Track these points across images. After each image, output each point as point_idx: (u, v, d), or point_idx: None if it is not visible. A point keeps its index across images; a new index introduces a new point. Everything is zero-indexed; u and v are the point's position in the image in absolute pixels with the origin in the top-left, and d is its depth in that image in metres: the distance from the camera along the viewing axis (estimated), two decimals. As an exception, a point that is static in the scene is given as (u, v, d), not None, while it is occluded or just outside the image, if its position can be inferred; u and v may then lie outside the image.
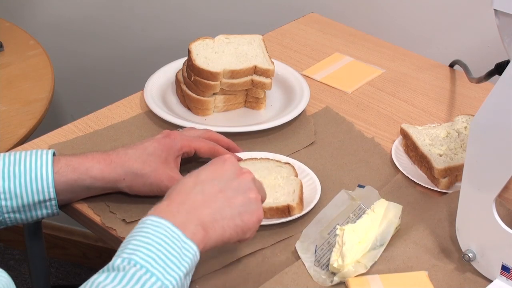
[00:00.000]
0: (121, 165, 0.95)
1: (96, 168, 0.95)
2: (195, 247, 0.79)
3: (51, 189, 0.93)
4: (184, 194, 0.83)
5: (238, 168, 0.87)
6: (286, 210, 0.97)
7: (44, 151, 0.94)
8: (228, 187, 0.85)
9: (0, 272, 0.74)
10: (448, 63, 1.36)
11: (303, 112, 1.19)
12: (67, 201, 0.97)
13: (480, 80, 1.12)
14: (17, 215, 0.93)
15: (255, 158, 1.07)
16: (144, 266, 0.75)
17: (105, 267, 0.77)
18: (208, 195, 0.83)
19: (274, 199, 0.99)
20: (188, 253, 0.78)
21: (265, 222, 0.97)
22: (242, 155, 1.07)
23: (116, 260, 0.76)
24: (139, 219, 0.97)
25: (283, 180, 1.02)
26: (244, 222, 0.84)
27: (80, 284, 0.77)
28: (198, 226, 0.80)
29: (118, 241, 0.95)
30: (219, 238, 0.83)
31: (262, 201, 0.89)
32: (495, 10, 0.81)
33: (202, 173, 0.86)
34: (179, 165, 1.01)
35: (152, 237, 0.77)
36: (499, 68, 1.03)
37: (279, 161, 1.06)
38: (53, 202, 0.94)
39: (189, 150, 1.01)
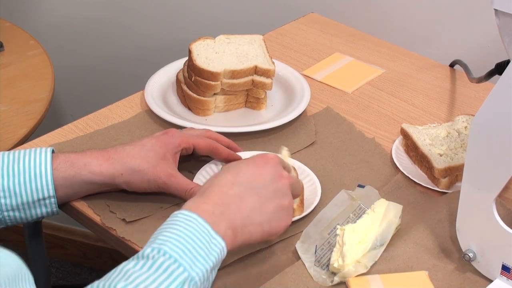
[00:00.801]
0: (119, 160, 0.96)
1: (95, 164, 0.95)
2: (223, 243, 0.81)
3: (50, 187, 0.93)
4: (221, 194, 0.84)
5: (278, 172, 0.88)
6: None
7: (43, 149, 0.94)
8: (264, 192, 0.86)
9: (11, 255, 0.74)
10: (448, 63, 1.36)
11: (304, 112, 1.19)
12: (67, 198, 0.97)
13: (480, 80, 1.12)
14: (17, 214, 0.93)
15: None
16: (173, 256, 0.76)
17: (135, 255, 0.78)
18: (243, 199, 0.84)
19: None
20: (216, 248, 0.80)
21: None
22: (242, 155, 1.07)
23: (146, 249, 0.78)
24: (139, 219, 0.97)
25: None
26: (272, 228, 0.86)
27: (80, 284, 0.77)
28: (228, 229, 0.82)
29: (118, 241, 0.95)
30: (245, 241, 0.85)
31: (296, 197, 0.91)
32: (495, 10, 0.81)
33: (243, 172, 0.87)
34: (178, 162, 1.01)
35: (183, 229, 0.79)
36: (499, 68, 1.03)
37: None
38: (52, 200, 0.94)
39: (188, 146, 1.01)
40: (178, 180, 0.97)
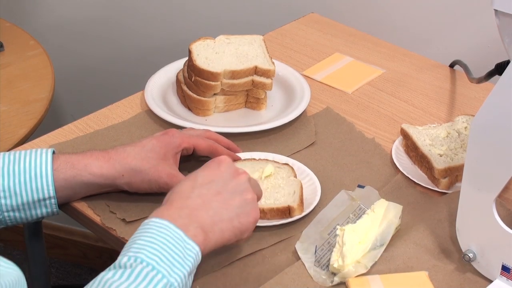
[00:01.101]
0: (119, 161, 0.96)
1: (95, 165, 0.95)
2: (197, 248, 0.80)
3: (51, 187, 0.93)
4: (183, 198, 0.84)
5: (234, 169, 0.89)
6: (286, 211, 0.97)
7: (44, 150, 0.94)
8: (225, 189, 0.86)
9: (11, 265, 0.74)
10: (448, 63, 1.36)
11: (304, 112, 1.19)
12: (67, 199, 0.97)
13: (480, 80, 1.12)
14: (17, 214, 0.93)
15: (254, 159, 1.07)
16: (150, 264, 0.76)
17: (112, 265, 0.78)
18: (206, 199, 0.85)
19: (275, 199, 0.99)
20: (190, 253, 0.80)
21: (265, 223, 0.97)
22: (242, 155, 1.07)
23: (123, 258, 0.77)
24: (139, 219, 0.97)
25: (283, 180, 1.02)
26: (242, 223, 0.86)
27: (80, 284, 0.78)
28: (198, 228, 0.82)
29: (118, 241, 0.95)
30: (219, 240, 0.84)
31: (258, 199, 0.90)
32: (495, 10, 0.81)
33: (199, 176, 0.87)
34: (178, 162, 1.01)
35: (157, 236, 0.79)
36: (499, 68, 1.03)
37: (278, 162, 1.06)
38: (52, 200, 0.94)
39: (188, 146, 1.02)
40: (180, 180, 0.97)
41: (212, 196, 0.85)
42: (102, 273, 0.77)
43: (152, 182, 0.97)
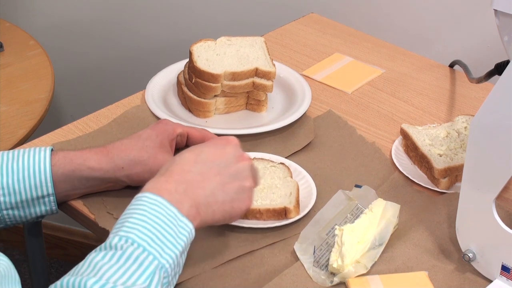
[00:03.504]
0: (118, 154, 0.96)
1: (94, 159, 0.95)
2: (190, 225, 0.80)
3: (49, 184, 0.93)
4: (184, 171, 0.84)
5: (239, 153, 0.88)
6: (282, 212, 0.97)
7: (43, 148, 0.95)
8: (226, 171, 0.86)
9: (2, 256, 0.75)
10: (448, 63, 1.36)
11: (305, 114, 1.18)
12: (66, 195, 0.97)
13: (480, 80, 1.12)
14: (16, 212, 0.93)
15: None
16: (141, 245, 0.76)
17: (102, 245, 0.78)
18: (205, 177, 0.84)
19: (271, 200, 0.99)
20: (184, 231, 0.79)
21: (261, 225, 0.96)
22: None
23: (114, 238, 0.77)
24: None
25: (280, 180, 1.02)
26: (234, 208, 0.86)
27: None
28: (192, 207, 0.82)
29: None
30: (209, 220, 0.84)
31: (255, 186, 0.90)
32: (495, 10, 0.81)
33: (204, 152, 0.86)
34: (174, 150, 1.01)
35: (149, 215, 0.78)
36: (499, 68, 1.03)
37: (273, 161, 1.06)
38: (51, 198, 0.94)
39: (182, 132, 1.02)
40: None
41: (212, 175, 0.85)
42: (93, 254, 0.77)
43: (153, 171, 0.96)
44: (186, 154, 0.86)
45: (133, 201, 0.81)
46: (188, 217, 0.81)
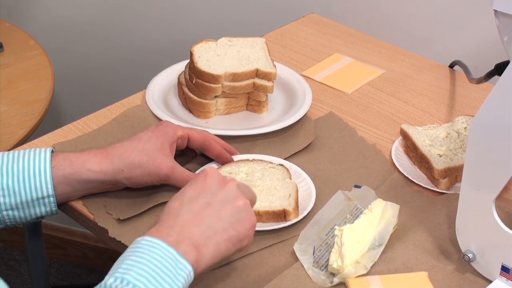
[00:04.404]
0: (118, 157, 0.96)
1: (93, 161, 0.95)
2: (189, 267, 0.78)
3: (49, 185, 0.93)
4: (173, 217, 0.82)
5: (221, 179, 0.86)
6: (282, 214, 0.97)
7: (43, 149, 0.95)
8: (214, 200, 0.84)
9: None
10: (448, 64, 1.36)
11: (305, 115, 1.18)
12: (66, 197, 0.97)
13: (480, 80, 1.12)
14: (16, 213, 0.93)
15: (248, 160, 1.07)
16: (137, 286, 0.74)
17: (98, 286, 0.76)
18: (196, 214, 0.83)
19: (270, 202, 0.99)
20: (182, 273, 0.78)
21: (260, 228, 0.96)
22: (239, 158, 1.07)
23: (109, 279, 0.75)
24: (134, 216, 0.97)
25: (279, 182, 1.02)
26: (238, 231, 0.84)
27: (80, 285, 0.77)
28: (189, 245, 0.80)
29: (117, 241, 0.95)
30: (216, 253, 0.82)
31: (253, 203, 0.88)
32: (495, 11, 0.81)
33: (187, 192, 0.85)
34: (174, 152, 1.01)
35: (147, 256, 0.77)
36: (499, 69, 1.03)
37: (273, 163, 1.06)
38: (51, 199, 0.94)
39: (183, 134, 1.02)
40: (180, 172, 0.98)
41: (202, 209, 0.83)
42: None
43: (152, 175, 0.97)
44: (171, 203, 0.84)
45: (130, 245, 0.79)
46: (186, 257, 0.79)
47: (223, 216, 0.83)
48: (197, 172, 1.04)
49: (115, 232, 0.95)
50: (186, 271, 0.78)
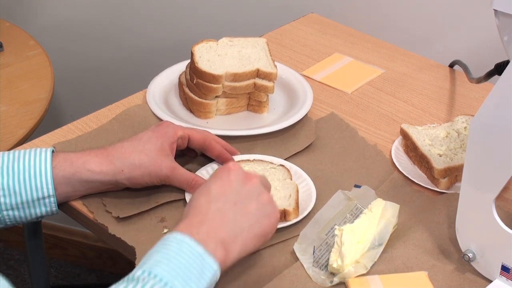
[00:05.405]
0: (118, 157, 0.96)
1: (94, 162, 0.95)
2: (215, 266, 0.80)
3: (50, 186, 0.93)
4: (202, 214, 0.83)
5: (244, 175, 0.88)
6: (282, 214, 0.97)
7: (43, 149, 0.95)
8: (239, 198, 0.86)
9: (1, 279, 0.75)
10: (448, 63, 1.36)
11: (306, 116, 1.18)
12: (66, 197, 0.97)
13: (480, 80, 1.12)
14: (16, 213, 0.93)
15: (248, 160, 1.07)
16: (164, 279, 0.75)
17: (125, 277, 0.77)
18: (224, 212, 0.84)
19: None
20: (207, 272, 0.79)
21: None
22: (239, 158, 1.07)
23: (137, 271, 0.77)
24: (133, 215, 0.97)
25: (279, 182, 1.02)
26: (263, 227, 0.85)
27: (80, 284, 0.77)
28: (218, 244, 0.81)
29: (117, 241, 0.95)
30: (242, 251, 0.84)
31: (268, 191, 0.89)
32: (495, 10, 0.81)
33: (213, 189, 0.86)
34: (175, 153, 1.01)
35: (174, 253, 0.78)
36: (499, 68, 1.03)
37: (273, 163, 1.06)
38: (52, 199, 0.94)
39: (183, 134, 1.02)
40: (181, 172, 0.98)
41: (229, 208, 0.84)
42: (114, 285, 0.76)
43: (152, 175, 0.97)
44: (198, 197, 0.86)
45: (160, 241, 0.81)
46: (214, 256, 0.80)
47: (248, 213, 0.85)
48: (204, 170, 1.04)
49: (115, 229, 0.95)
50: (212, 271, 0.79)
